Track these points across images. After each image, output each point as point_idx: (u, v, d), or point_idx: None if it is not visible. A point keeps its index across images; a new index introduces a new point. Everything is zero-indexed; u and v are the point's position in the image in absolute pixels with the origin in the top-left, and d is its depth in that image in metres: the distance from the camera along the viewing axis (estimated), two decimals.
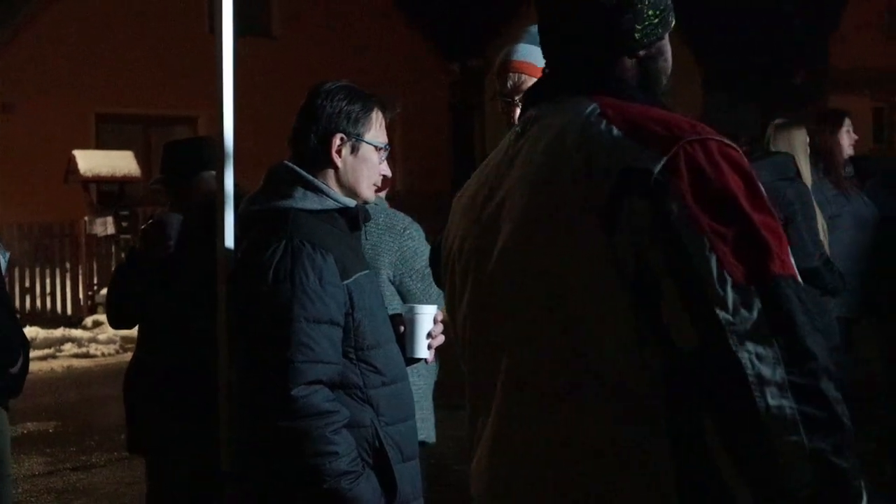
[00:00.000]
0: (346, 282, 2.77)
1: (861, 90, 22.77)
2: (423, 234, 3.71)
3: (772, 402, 1.51)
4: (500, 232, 1.79)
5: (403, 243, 3.61)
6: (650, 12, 1.80)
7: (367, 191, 2.93)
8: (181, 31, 18.27)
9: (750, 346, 1.53)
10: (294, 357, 2.67)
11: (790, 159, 5.88)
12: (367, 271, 2.90)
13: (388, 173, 2.98)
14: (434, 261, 2.98)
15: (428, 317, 2.97)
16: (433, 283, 3.54)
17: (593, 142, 1.68)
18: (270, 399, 2.69)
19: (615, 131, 1.68)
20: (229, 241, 3.01)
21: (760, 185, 1.65)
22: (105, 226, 14.59)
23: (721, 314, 1.54)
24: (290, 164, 2.90)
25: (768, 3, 18.62)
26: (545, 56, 1.92)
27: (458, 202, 1.99)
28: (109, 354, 12.33)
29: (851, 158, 6.63)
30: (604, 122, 1.70)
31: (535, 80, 3.06)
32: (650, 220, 1.60)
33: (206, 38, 16.54)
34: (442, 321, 3.03)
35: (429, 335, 2.98)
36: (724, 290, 1.55)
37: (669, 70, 1.87)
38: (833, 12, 22.24)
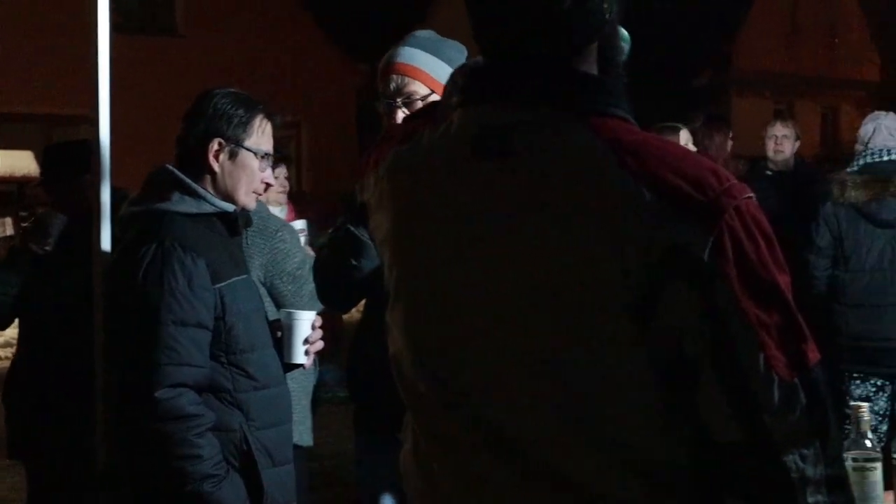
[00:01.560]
0: (217, 285, 2.77)
1: (763, 92, 23.23)
2: (296, 237, 3.74)
3: (810, 499, 1.50)
4: (480, 269, 1.58)
5: (275, 245, 3.62)
6: None
7: (245, 197, 2.92)
8: (84, 29, 17.97)
9: (794, 448, 1.49)
10: (159, 359, 2.67)
11: None
12: (244, 276, 2.90)
13: (272, 181, 2.99)
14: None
15: (306, 322, 2.97)
16: (304, 285, 3.58)
17: (627, 210, 1.48)
18: (135, 401, 2.68)
19: (648, 197, 1.47)
20: (106, 243, 3.01)
21: (776, 241, 1.55)
22: (4, 227, 14.31)
23: (768, 419, 1.48)
24: (170, 167, 2.90)
25: (674, 4, 18.88)
26: (489, 36, 1.63)
27: (392, 188, 1.70)
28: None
29: (749, 159, 6.73)
30: (631, 181, 1.49)
31: (417, 83, 3.10)
32: (697, 307, 1.47)
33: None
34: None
35: (306, 341, 2.98)
36: (771, 391, 1.48)
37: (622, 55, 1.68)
38: (737, 15, 22.62)
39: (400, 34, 3.25)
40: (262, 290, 3.60)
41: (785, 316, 1.50)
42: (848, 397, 5.15)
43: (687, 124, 6.45)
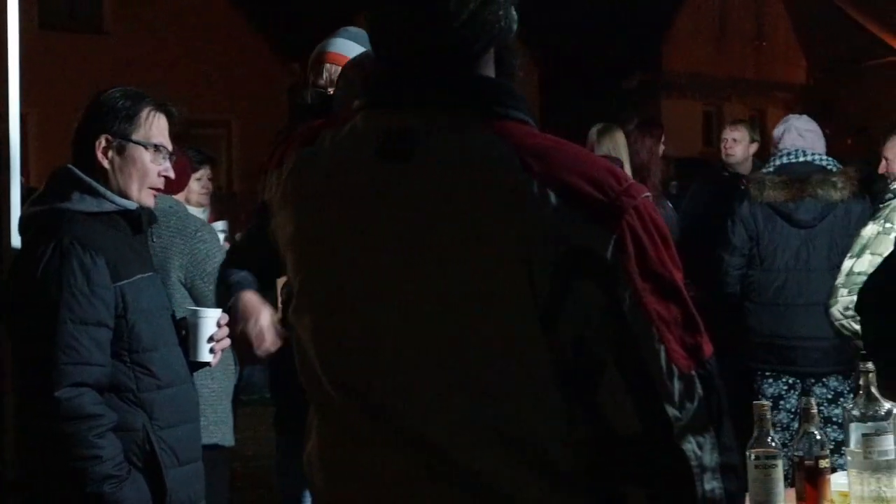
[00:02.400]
0: (118, 283, 2.74)
1: (692, 95, 23.49)
2: (216, 237, 3.73)
3: (707, 486, 1.54)
4: (385, 273, 1.59)
5: (195, 246, 3.60)
6: None
7: (139, 193, 2.87)
8: None
9: (692, 437, 1.53)
10: (59, 358, 2.64)
11: (618, 163, 6.04)
12: (149, 274, 2.87)
13: (171, 174, 2.95)
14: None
15: (211, 321, 2.95)
16: None
17: (526, 207, 1.52)
18: (36, 401, 2.66)
19: (552, 199, 1.51)
20: (17, 242, 3.00)
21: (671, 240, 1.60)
22: None
23: (670, 410, 1.52)
24: (71, 166, 2.86)
25: (605, 5, 19.02)
26: (386, 41, 1.66)
27: (294, 189, 1.70)
28: None
29: (678, 160, 6.80)
30: (535, 184, 1.52)
31: None
32: (600, 303, 1.52)
33: (36, 34, 16.08)
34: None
35: (211, 339, 2.95)
36: (672, 384, 1.52)
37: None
38: (667, 17, 22.85)
39: (333, 32, 3.29)
40: (183, 292, 3.59)
41: (683, 311, 1.55)
42: (760, 395, 5.24)
43: (620, 126, 6.54)
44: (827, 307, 3.64)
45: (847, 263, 3.63)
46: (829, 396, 5.20)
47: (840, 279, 3.60)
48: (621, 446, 1.55)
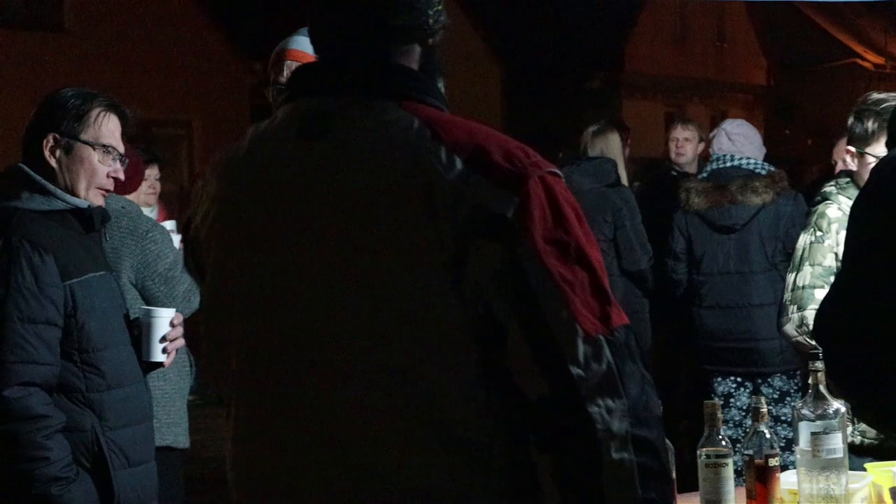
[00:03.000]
0: (68, 282, 2.72)
1: (654, 95, 23.60)
2: (168, 237, 3.71)
3: (615, 455, 1.53)
4: (303, 248, 1.63)
5: (146, 247, 3.59)
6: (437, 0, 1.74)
7: (87, 192, 2.85)
8: None
9: (600, 400, 1.53)
10: (6, 357, 2.63)
11: (612, 164, 6.03)
12: (101, 273, 2.85)
13: (121, 176, 2.93)
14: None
15: (164, 320, 2.93)
16: (177, 286, 3.59)
17: (434, 174, 1.57)
18: None
19: (458, 164, 1.57)
20: None
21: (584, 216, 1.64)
22: None
23: (574, 370, 1.53)
24: (22, 165, 2.85)
25: (567, 6, 19.08)
26: (322, 42, 1.76)
27: (227, 187, 1.74)
28: None
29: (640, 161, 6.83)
30: (443, 149, 1.58)
31: None
32: (502, 263, 1.54)
33: None
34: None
35: (164, 339, 2.94)
36: (576, 344, 1.53)
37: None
38: (629, 18, 22.95)
39: (295, 31, 3.29)
40: (135, 292, 3.57)
41: (591, 278, 1.58)
42: (712, 395, 5.30)
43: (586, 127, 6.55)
44: (779, 325, 3.65)
45: (790, 278, 3.62)
46: (776, 396, 5.26)
47: (787, 295, 3.60)
48: (531, 412, 1.56)
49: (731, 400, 5.34)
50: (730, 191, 5.38)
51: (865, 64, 24.12)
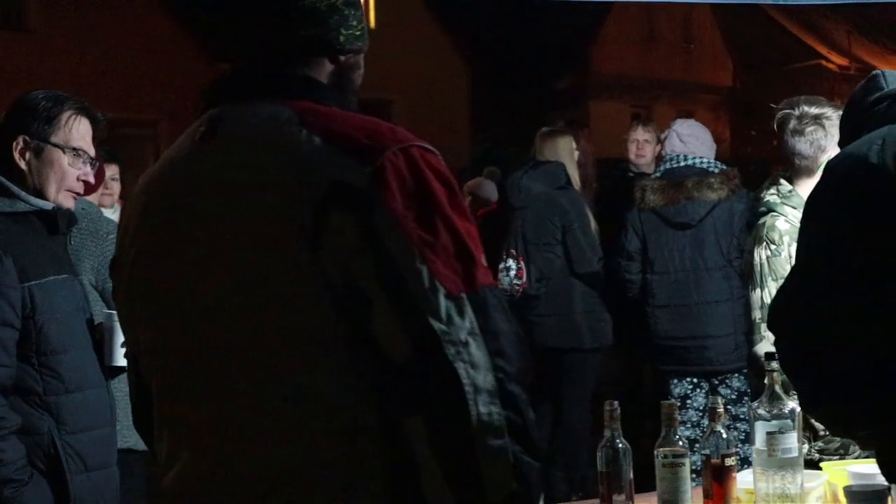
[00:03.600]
0: (27, 284, 2.72)
1: (621, 96, 23.67)
2: None
3: (482, 409, 1.55)
4: (195, 243, 1.70)
5: (106, 248, 3.58)
6: (354, 22, 1.81)
7: (57, 195, 2.86)
8: None
9: (465, 355, 1.56)
10: None
11: (561, 168, 6.08)
12: (64, 276, 2.84)
13: (91, 179, 2.93)
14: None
15: None
16: None
17: (294, 152, 1.64)
18: None
19: (317, 140, 1.64)
20: None
21: (458, 190, 1.68)
22: None
23: (436, 324, 1.56)
24: None
25: (533, 9, 19.13)
26: (226, 53, 1.87)
27: (138, 200, 1.85)
28: None
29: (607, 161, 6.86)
30: (304, 130, 1.65)
31: None
32: (358, 232, 1.58)
33: None
34: None
35: None
36: (437, 300, 1.57)
37: (357, 86, 1.87)
38: (596, 19, 23.01)
39: None
40: (95, 295, 3.55)
41: (454, 240, 1.61)
42: (669, 396, 5.34)
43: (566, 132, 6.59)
44: (751, 343, 3.66)
45: (754, 296, 3.61)
46: (734, 397, 5.31)
47: (756, 314, 3.59)
48: (399, 376, 1.59)
49: (688, 401, 5.39)
50: (685, 187, 5.44)
51: (830, 65, 24.29)
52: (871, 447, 2.15)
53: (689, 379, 5.42)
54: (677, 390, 5.42)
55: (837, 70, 24.67)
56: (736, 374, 5.33)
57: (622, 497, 2.65)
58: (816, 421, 2.32)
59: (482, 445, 1.56)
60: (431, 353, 1.57)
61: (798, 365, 2.03)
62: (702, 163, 5.52)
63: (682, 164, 5.51)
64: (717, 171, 5.49)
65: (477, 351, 1.57)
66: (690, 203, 5.45)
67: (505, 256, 5.98)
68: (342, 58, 1.81)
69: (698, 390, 5.41)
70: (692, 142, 5.59)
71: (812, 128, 3.55)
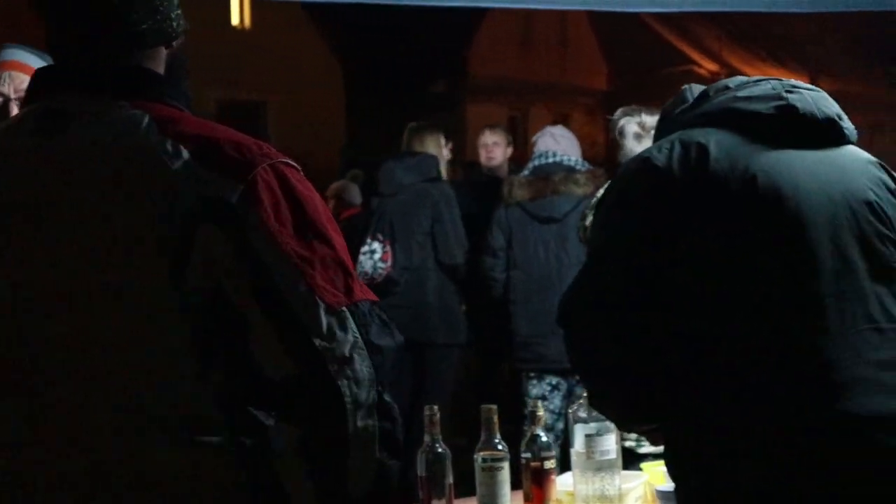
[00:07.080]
0: None
1: (498, 99, 23.83)
2: None
3: (360, 423, 1.57)
4: (32, 251, 1.64)
5: None
6: (176, 3, 1.80)
7: None
8: None
9: (348, 371, 1.56)
10: None
11: (434, 160, 6.13)
12: None
13: None
14: None
15: None
16: None
17: (160, 165, 1.61)
18: None
19: (185, 155, 1.61)
20: None
21: (326, 204, 1.69)
22: None
23: (318, 342, 1.55)
24: None
25: (410, 11, 19.17)
26: (63, 47, 1.77)
27: None
28: None
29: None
30: (169, 143, 1.62)
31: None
32: (231, 248, 1.56)
33: None
34: None
35: None
36: (318, 317, 1.56)
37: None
38: (472, 21, 23.14)
39: None
40: None
41: (331, 254, 1.62)
42: (526, 396, 5.37)
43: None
44: None
45: None
46: None
47: None
48: (276, 391, 1.58)
49: (545, 402, 5.42)
50: (553, 182, 5.54)
51: (701, 71, 24.80)
52: (658, 443, 2.21)
53: (547, 380, 5.46)
54: (535, 391, 5.47)
55: (709, 75, 25.19)
56: None
57: (442, 502, 2.65)
58: (601, 414, 2.38)
59: (354, 455, 1.58)
60: (313, 369, 1.56)
61: (585, 359, 2.09)
62: (570, 161, 5.65)
63: (551, 160, 5.64)
64: (583, 169, 5.62)
65: (360, 366, 1.58)
66: (556, 197, 5.56)
67: (370, 240, 5.95)
68: (175, 43, 1.80)
69: (556, 392, 5.46)
70: (565, 142, 5.72)
71: (652, 133, 3.64)
